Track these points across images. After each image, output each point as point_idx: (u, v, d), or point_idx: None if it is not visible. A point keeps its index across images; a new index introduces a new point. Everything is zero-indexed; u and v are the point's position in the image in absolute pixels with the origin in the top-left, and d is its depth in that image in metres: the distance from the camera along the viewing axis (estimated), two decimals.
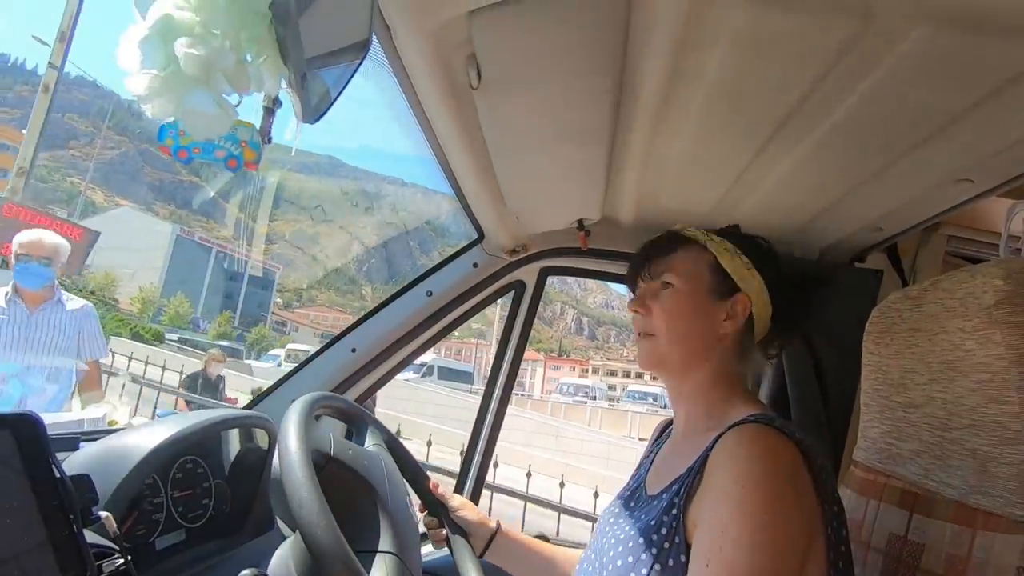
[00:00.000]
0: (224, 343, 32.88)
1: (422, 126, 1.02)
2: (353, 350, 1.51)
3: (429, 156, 1.15)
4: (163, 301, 47.84)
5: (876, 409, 0.96)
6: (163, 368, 6.11)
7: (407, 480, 1.02)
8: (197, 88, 0.41)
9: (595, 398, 33.13)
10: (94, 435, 0.93)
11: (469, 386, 23.10)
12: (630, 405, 28.76)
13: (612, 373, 69.40)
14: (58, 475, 0.55)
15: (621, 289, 1.66)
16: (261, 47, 0.44)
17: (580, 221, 1.41)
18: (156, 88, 0.40)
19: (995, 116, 0.78)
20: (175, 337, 29.66)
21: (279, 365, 23.60)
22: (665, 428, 1.01)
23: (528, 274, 1.63)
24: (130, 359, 7.78)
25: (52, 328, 2.49)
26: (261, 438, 1.09)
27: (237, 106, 0.49)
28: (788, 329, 0.90)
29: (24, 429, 0.54)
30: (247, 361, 25.37)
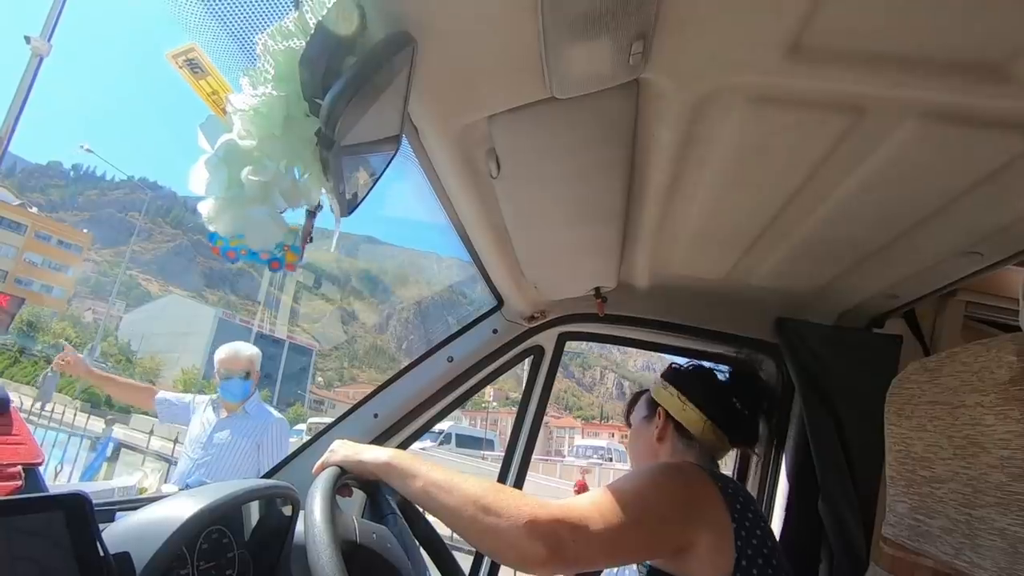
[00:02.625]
0: None
1: (444, 207, 1.11)
2: (376, 415, 1.54)
3: (451, 229, 1.23)
4: (204, 383, 48.94)
5: (902, 483, 0.93)
6: (175, 442, 6.18)
7: (421, 544, 1.02)
8: (257, 206, 0.49)
9: (611, 459, 31.73)
10: (129, 504, 0.96)
11: (483, 452, 22.71)
12: None
13: None
14: (102, 554, 0.58)
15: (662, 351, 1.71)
16: (307, 165, 0.52)
17: (597, 289, 1.46)
18: (221, 209, 0.49)
19: (995, 195, 0.81)
20: None
21: (301, 438, 23.64)
22: None
23: (547, 339, 1.67)
24: (150, 434, 7.96)
25: (235, 434, 2.59)
26: (284, 506, 1.11)
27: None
28: (731, 425, 1.12)
29: (74, 508, 0.58)
30: None
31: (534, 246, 1.22)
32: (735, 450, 1.20)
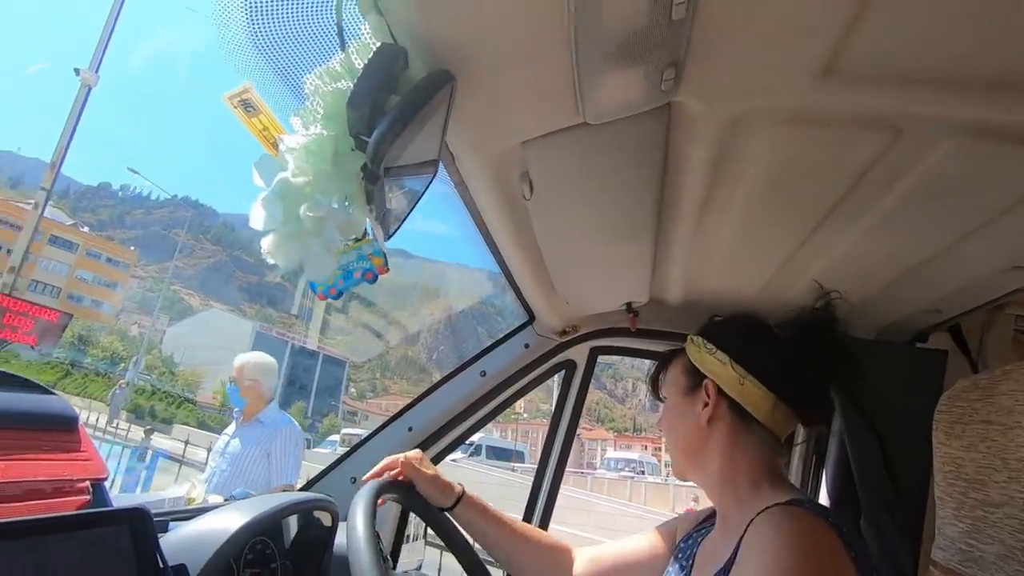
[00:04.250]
0: None
1: (477, 226, 1.13)
2: (410, 429, 1.57)
3: (481, 242, 1.25)
4: None
5: (952, 505, 0.90)
6: (208, 451, 6.42)
7: (453, 551, 1.04)
8: (313, 240, 0.53)
9: (644, 472, 31.01)
10: (179, 515, 1.01)
11: (513, 465, 22.60)
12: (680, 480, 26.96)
13: None
14: (162, 566, 0.62)
15: None
16: (354, 197, 0.56)
17: (629, 304, 1.47)
18: (280, 244, 0.52)
19: None
20: None
21: (335, 449, 24.07)
22: (709, 517, 1.00)
23: (578, 354, 1.67)
24: (185, 443, 8.22)
25: (245, 442, 2.63)
26: (324, 517, 1.14)
27: None
28: (807, 402, 0.88)
29: (137, 522, 0.61)
30: (311, 449, 26.03)
31: (566, 263, 1.23)
32: None
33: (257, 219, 0.52)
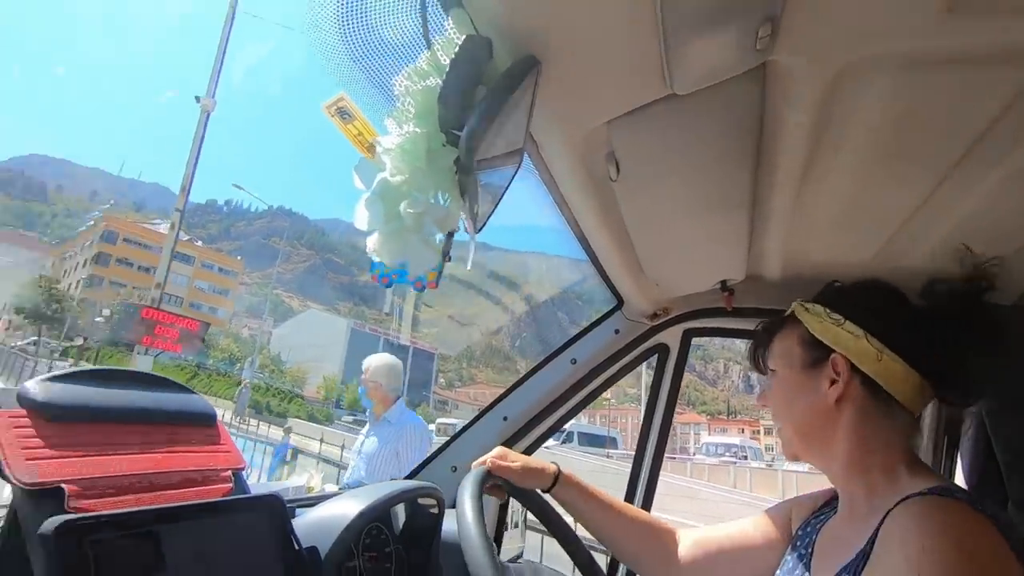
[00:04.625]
0: None
1: (561, 211, 1.12)
2: (504, 418, 1.59)
3: (564, 228, 1.24)
4: (342, 388, 53.69)
5: None
6: (320, 441, 6.73)
7: (554, 533, 1.05)
8: (414, 236, 0.54)
9: (746, 458, 29.44)
10: (301, 502, 1.10)
11: (607, 451, 22.33)
12: (790, 464, 25.21)
13: None
14: (297, 548, 0.67)
15: None
16: (448, 192, 0.57)
17: (723, 282, 1.40)
18: (384, 242, 0.55)
19: None
20: (350, 419, 32.84)
21: (431, 439, 24.99)
22: (829, 501, 0.92)
23: (671, 337, 1.62)
24: (320, 441, 8.81)
25: (376, 441, 2.77)
26: (430, 504, 1.20)
27: None
28: (951, 379, 0.79)
29: (274, 508, 0.67)
30: None
31: (655, 244, 1.19)
32: None
33: (361, 219, 0.54)
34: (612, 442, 27.33)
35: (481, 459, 1.03)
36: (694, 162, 0.90)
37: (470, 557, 0.73)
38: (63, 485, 0.53)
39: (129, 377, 0.69)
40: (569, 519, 1.08)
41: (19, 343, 37.71)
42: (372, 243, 0.56)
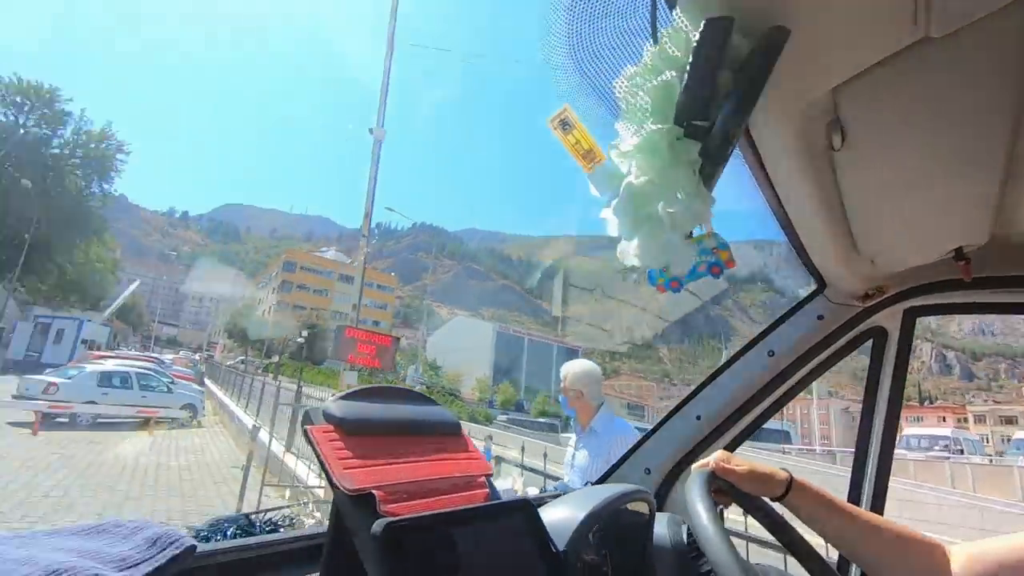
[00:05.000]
0: (543, 420, 36.48)
1: (763, 191, 1.03)
2: (698, 417, 1.51)
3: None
4: (494, 389, 56.18)
5: None
6: (522, 450, 6.75)
7: (795, 553, 0.97)
8: (670, 235, 0.53)
9: (962, 451, 24.63)
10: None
11: (782, 446, 20.18)
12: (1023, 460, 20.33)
13: (1008, 421, 51.80)
14: (554, 550, 0.69)
15: None
16: (690, 185, 0.55)
17: (958, 249, 1.19)
18: (642, 246, 0.54)
19: None
20: (504, 418, 34.13)
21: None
22: None
23: (889, 319, 1.43)
24: (522, 451, 9.19)
25: (587, 453, 2.60)
26: (639, 508, 1.17)
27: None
28: None
29: (528, 512, 0.70)
30: (561, 434, 27.42)
31: (877, 215, 1.05)
32: None
33: (612, 227, 0.54)
34: (785, 436, 24.80)
35: (702, 461, 0.99)
36: (941, 118, 0.77)
37: (717, 559, 0.69)
38: (374, 491, 0.60)
39: (396, 394, 0.77)
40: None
41: (230, 362, 45.24)
42: (630, 250, 0.55)
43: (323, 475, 0.68)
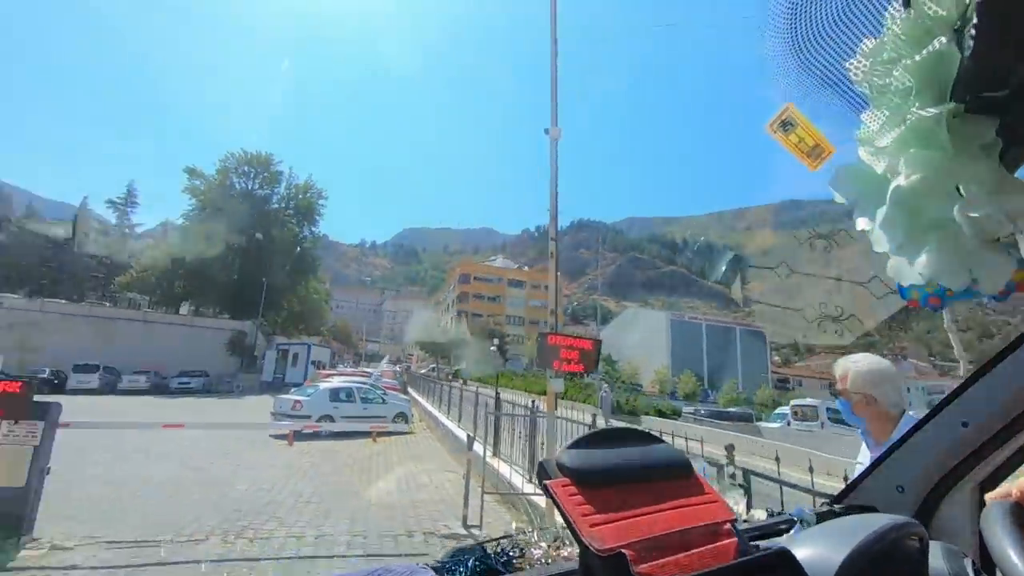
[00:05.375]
0: (735, 409, 33.90)
1: None
2: (964, 424, 1.23)
3: None
4: (675, 380, 53.96)
5: None
6: (776, 460, 5.45)
7: None
8: (978, 243, 0.42)
9: None
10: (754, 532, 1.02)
11: None
12: None
13: None
14: None
15: None
16: (983, 174, 0.43)
17: None
18: (937, 262, 0.44)
19: None
20: (691, 410, 32.37)
21: (788, 423, 22.10)
22: None
23: None
24: (776, 460, 8.71)
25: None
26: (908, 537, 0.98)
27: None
28: None
29: (788, 561, 0.61)
30: (759, 424, 24.99)
31: None
32: None
33: (879, 242, 0.44)
34: None
35: (1002, 490, 0.79)
36: None
37: None
38: (624, 551, 0.58)
39: (622, 436, 0.76)
40: None
41: (423, 371, 50.14)
42: (909, 268, 0.44)
43: (568, 533, 0.69)
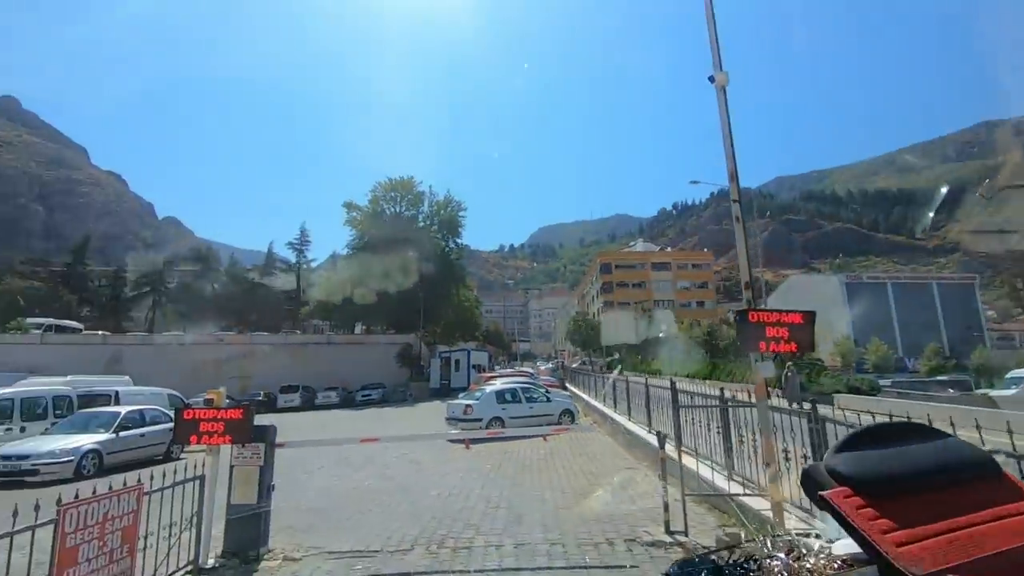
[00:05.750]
0: (944, 378, 28.60)
1: None
2: None
3: None
4: (860, 350, 47.35)
5: None
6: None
7: None
8: None
9: None
10: None
11: None
12: None
13: None
14: None
15: None
16: None
17: None
18: None
19: None
20: (888, 383, 27.85)
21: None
22: None
23: None
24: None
25: None
26: None
27: None
28: None
29: None
30: (987, 392, 20.38)
31: None
32: None
33: None
34: None
35: None
36: None
37: None
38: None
39: (896, 433, 0.65)
40: None
41: (575, 364, 50.12)
42: None
43: (863, 549, 0.55)
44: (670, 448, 6.26)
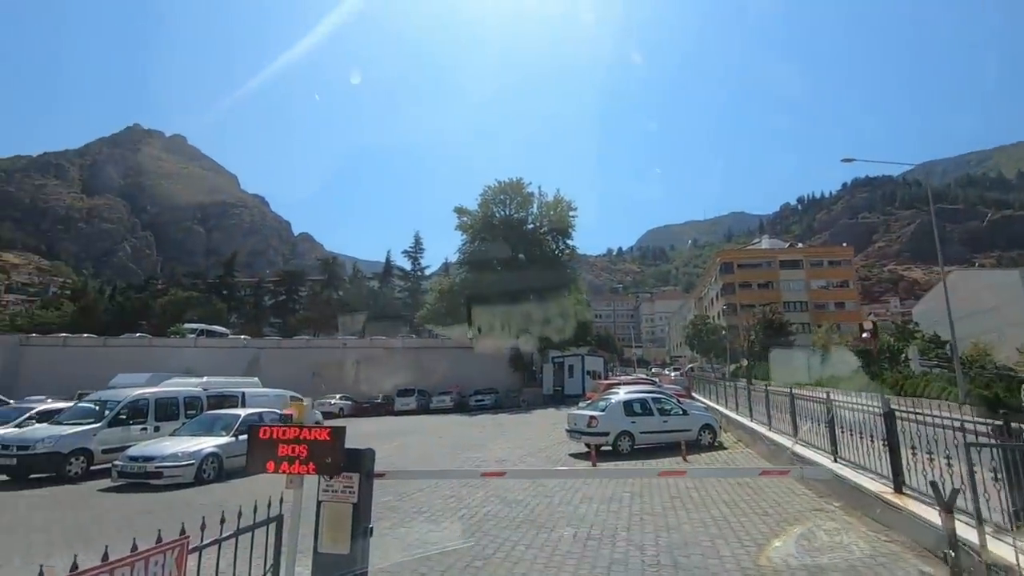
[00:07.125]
0: None
1: None
2: None
3: None
4: None
5: None
6: None
7: None
8: None
9: None
10: None
11: None
12: None
13: None
14: None
15: None
16: None
17: None
18: None
19: None
20: None
21: None
22: None
23: None
24: None
25: None
26: None
27: None
28: None
29: None
30: None
31: None
32: None
33: None
34: None
35: None
36: None
37: None
38: None
39: None
40: None
41: (693, 371, 46.17)
42: None
43: None
44: (869, 483, 4.12)
